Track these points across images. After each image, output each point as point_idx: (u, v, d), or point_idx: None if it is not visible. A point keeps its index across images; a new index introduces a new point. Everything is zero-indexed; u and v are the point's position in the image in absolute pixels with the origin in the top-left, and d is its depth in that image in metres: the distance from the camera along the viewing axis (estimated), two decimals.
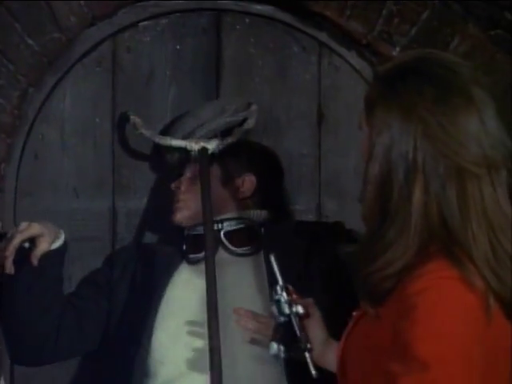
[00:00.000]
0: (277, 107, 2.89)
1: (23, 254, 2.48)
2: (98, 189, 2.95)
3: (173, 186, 2.58)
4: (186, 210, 2.58)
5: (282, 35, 3.00)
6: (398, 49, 2.97)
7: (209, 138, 2.65)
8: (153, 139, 2.68)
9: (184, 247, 2.64)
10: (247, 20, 3.00)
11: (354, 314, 1.82)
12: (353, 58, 3.05)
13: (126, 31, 2.97)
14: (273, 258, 2.06)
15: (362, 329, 1.77)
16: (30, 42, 2.81)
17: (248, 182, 2.59)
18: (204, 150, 2.57)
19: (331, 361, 1.94)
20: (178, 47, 2.99)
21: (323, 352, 2.01)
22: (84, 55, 2.95)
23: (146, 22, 2.97)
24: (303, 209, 3.04)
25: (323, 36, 3.03)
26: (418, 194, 1.59)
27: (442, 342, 1.56)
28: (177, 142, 2.63)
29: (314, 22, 2.99)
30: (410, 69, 1.67)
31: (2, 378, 2.82)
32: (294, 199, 2.85)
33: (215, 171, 2.59)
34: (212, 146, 2.59)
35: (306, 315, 2.01)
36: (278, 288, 2.04)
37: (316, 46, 3.04)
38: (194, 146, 2.59)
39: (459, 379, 1.57)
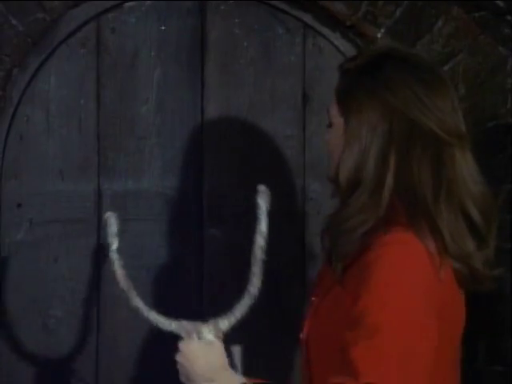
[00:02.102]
0: (261, 89, 2.88)
1: None
2: (84, 171, 2.94)
3: None
4: None
5: (267, 16, 2.99)
6: (382, 30, 2.95)
7: None
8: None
9: None
10: (231, 1, 2.99)
11: (313, 298, 1.87)
12: (337, 39, 3.03)
13: (110, 12, 2.95)
14: None
15: (323, 312, 1.80)
16: (14, 22, 2.79)
17: None
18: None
19: None
20: (163, 28, 2.98)
21: None
22: (68, 36, 2.92)
23: (130, 3, 2.95)
24: (288, 190, 3.03)
25: (308, 17, 3.01)
26: (393, 161, 1.69)
27: (392, 308, 1.61)
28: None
29: (299, 3, 2.99)
30: (383, 57, 1.77)
31: None
32: (278, 181, 2.80)
33: None
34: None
35: None
36: None
37: (300, 27, 3.03)
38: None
39: (409, 345, 1.61)
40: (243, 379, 1.81)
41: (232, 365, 1.84)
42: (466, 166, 1.74)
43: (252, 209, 2.02)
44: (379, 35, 2.95)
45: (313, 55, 3.02)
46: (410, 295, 1.67)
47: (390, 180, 1.71)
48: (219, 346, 1.82)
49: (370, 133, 1.74)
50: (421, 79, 1.74)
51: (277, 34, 2.96)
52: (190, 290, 2.71)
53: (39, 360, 2.82)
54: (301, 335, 1.91)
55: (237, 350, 1.88)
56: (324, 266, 1.92)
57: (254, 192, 1.92)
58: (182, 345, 1.82)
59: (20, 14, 2.79)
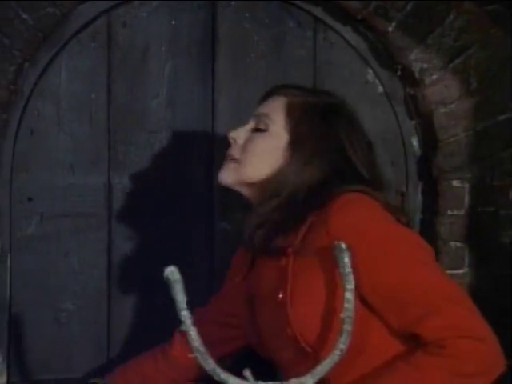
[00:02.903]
0: (272, 82, 2.75)
1: None
2: (94, 165, 2.93)
3: None
4: None
5: (278, 10, 3.01)
6: (393, 24, 2.96)
7: None
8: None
9: None
10: None
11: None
12: (348, 33, 3.07)
13: (121, 6, 2.94)
14: None
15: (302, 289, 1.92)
16: (25, 16, 2.75)
17: None
18: None
19: None
20: (174, 22, 2.98)
21: None
22: (79, 30, 2.90)
23: None
24: None
25: (318, 11, 3.03)
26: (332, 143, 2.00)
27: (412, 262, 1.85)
28: None
29: None
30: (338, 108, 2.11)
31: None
32: None
33: None
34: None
35: None
36: None
37: (311, 21, 3.05)
38: None
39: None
40: None
41: None
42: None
43: None
44: (390, 29, 2.97)
45: (323, 49, 3.04)
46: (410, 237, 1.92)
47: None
48: None
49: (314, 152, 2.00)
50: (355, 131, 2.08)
51: (288, 28, 2.97)
52: (200, 285, 2.72)
53: (50, 354, 2.80)
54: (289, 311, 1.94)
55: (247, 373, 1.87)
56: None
57: None
58: None
59: (31, 9, 2.76)
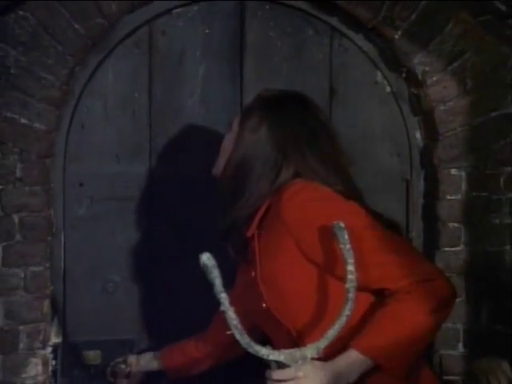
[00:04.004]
0: (293, 84, 2.91)
1: None
2: (137, 155, 3.02)
3: None
4: None
5: (298, 20, 3.07)
6: (399, 32, 3.03)
7: None
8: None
9: None
10: (267, 7, 3.07)
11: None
12: (360, 40, 3.14)
13: (160, 17, 3.02)
14: None
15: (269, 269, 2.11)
16: (77, 26, 2.85)
17: None
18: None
19: None
20: (207, 31, 3.06)
21: None
22: (124, 38, 3.00)
23: (178, 9, 3.03)
24: None
25: (334, 21, 3.12)
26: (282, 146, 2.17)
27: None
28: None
29: (327, 8, 3.07)
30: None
31: (56, 319, 2.94)
32: None
33: None
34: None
35: None
36: None
37: (328, 29, 3.12)
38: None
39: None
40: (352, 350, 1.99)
41: None
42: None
43: None
44: (396, 36, 3.05)
45: (339, 54, 3.11)
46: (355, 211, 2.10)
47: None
48: (315, 362, 1.95)
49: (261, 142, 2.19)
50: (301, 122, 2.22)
51: (307, 36, 3.05)
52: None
53: (99, 318, 2.93)
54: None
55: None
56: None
57: None
58: (293, 373, 1.92)
59: (82, 20, 2.86)
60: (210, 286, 1.93)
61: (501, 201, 3.02)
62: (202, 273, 1.94)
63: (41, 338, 2.93)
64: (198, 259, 1.86)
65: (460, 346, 3.15)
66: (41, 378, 2.95)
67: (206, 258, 1.80)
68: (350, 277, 1.89)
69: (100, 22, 2.89)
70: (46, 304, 2.93)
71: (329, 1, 3.02)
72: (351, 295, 1.90)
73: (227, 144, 2.28)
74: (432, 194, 3.21)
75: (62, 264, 2.99)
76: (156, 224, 3.02)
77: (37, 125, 2.86)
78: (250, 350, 1.87)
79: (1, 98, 2.82)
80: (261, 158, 2.19)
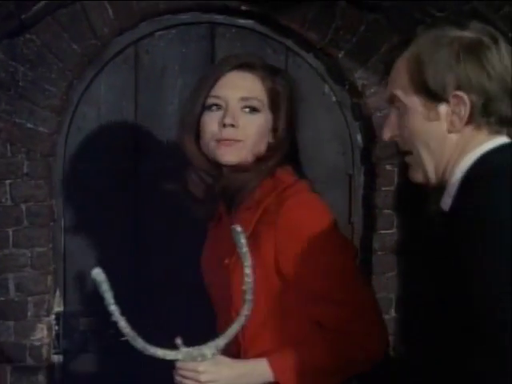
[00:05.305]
0: None
1: None
2: (125, 154, 3.14)
3: None
4: None
5: (259, 41, 3.20)
6: (343, 52, 3.20)
7: None
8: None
9: None
10: (234, 30, 3.21)
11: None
12: (310, 58, 3.28)
13: (145, 39, 3.14)
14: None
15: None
16: (75, 46, 2.99)
17: None
18: None
19: None
20: (184, 50, 3.18)
21: None
22: (114, 56, 3.11)
23: (160, 32, 3.15)
24: None
25: (289, 42, 3.25)
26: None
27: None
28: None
29: (283, 32, 3.21)
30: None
31: (58, 291, 3.06)
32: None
33: None
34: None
35: None
36: None
37: (284, 49, 3.25)
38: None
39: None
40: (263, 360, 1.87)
41: None
42: None
43: None
44: (340, 55, 3.21)
45: (293, 70, 3.18)
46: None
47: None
48: (223, 358, 1.86)
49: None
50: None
51: (266, 54, 3.11)
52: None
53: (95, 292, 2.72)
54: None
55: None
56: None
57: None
58: (195, 367, 1.82)
59: (79, 41, 2.99)
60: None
61: (426, 191, 2.92)
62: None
63: (45, 307, 3.10)
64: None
65: (392, 311, 3.34)
66: (46, 341, 3.14)
67: (96, 274, 1.73)
68: (247, 280, 1.79)
69: (94, 43, 3.02)
70: (50, 279, 3.10)
71: (284, 26, 3.16)
72: (248, 297, 1.79)
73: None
74: (370, 186, 3.35)
75: (63, 245, 3.13)
76: (142, 211, 3.13)
77: (41, 129, 3.01)
78: (147, 353, 1.80)
79: (11, 107, 2.96)
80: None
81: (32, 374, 3.09)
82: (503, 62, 1.54)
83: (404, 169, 1.61)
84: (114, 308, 1.74)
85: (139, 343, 1.78)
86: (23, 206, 3.04)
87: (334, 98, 3.38)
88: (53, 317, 3.15)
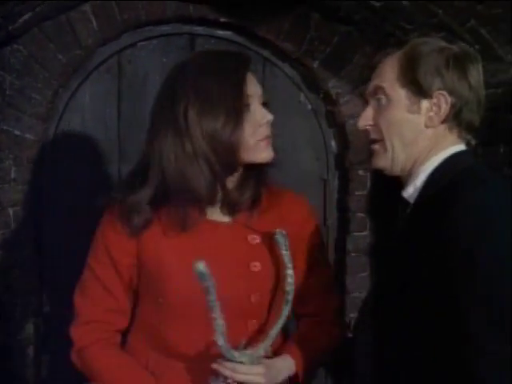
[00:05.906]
0: None
1: None
2: (108, 158, 3.15)
3: None
4: None
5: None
6: (317, 62, 3.22)
7: None
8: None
9: None
10: (213, 41, 3.22)
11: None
12: (286, 68, 3.32)
13: (127, 49, 3.16)
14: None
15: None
16: (60, 56, 2.99)
17: None
18: None
19: None
20: (164, 60, 3.19)
21: None
22: (98, 66, 3.13)
23: (142, 43, 3.17)
24: None
25: (266, 53, 3.29)
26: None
27: None
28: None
29: (260, 43, 3.23)
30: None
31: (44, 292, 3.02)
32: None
33: None
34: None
35: None
36: None
37: (261, 59, 3.28)
38: None
39: None
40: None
41: None
42: None
43: None
44: (315, 65, 3.23)
45: (270, 79, 3.27)
46: None
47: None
48: (272, 361, 1.89)
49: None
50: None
51: None
52: None
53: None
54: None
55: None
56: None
57: None
58: (258, 370, 1.82)
59: (64, 51, 3.00)
60: None
61: (398, 195, 2.88)
62: None
63: (33, 308, 3.10)
64: None
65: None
66: (33, 341, 3.11)
67: (201, 267, 1.69)
68: (290, 280, 1.81)
69: (79, 53, 3.03)
70: (37, 280, 3.09)
71: (261, 37, 3.20)
72: (290, 297, 1.82)
73: None
74: (344, 190, 3.37)
75: (50, 247, 3.13)
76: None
77: (28, 135, 3.00)
78: (228, 355, 1.79)
79: None
80: None
81: (19, 374, 3.07)
82: (479, 77, 1.71)
83: (376, 174, 1.64)
84: (214, 304, 1.72)
85: (225, 345, 1.77)
86: (10, 210, 3.01)
87: (309, 106, 3.40)
88: (40, 317, 3.14)
